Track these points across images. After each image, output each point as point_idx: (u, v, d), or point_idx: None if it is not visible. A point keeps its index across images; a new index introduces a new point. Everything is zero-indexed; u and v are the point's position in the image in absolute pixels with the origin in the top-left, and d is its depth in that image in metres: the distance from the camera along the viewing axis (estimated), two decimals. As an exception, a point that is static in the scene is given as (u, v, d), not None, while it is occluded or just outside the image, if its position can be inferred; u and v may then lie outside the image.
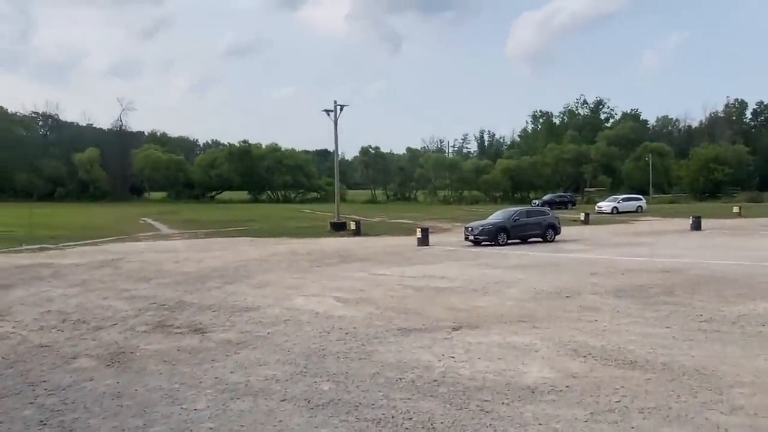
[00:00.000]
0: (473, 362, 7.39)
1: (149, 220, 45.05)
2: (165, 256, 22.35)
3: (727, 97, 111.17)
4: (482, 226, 26.03)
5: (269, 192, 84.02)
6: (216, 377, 6.93)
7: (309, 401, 6.07)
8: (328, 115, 33.97)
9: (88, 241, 28.90)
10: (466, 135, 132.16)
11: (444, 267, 17.71)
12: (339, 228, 33.50)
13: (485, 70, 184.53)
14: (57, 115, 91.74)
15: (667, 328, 9.07)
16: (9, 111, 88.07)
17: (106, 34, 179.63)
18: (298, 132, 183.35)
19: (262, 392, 6.39)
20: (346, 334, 8.83)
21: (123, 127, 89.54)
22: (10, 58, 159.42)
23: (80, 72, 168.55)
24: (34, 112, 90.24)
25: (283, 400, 6.12)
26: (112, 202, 73.55)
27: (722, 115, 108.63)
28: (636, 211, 52.32)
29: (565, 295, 11.85)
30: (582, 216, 40.42)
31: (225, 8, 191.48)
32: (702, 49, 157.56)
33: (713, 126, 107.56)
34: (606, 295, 11.65)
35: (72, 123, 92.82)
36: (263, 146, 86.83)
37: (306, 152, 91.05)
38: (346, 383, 6.65)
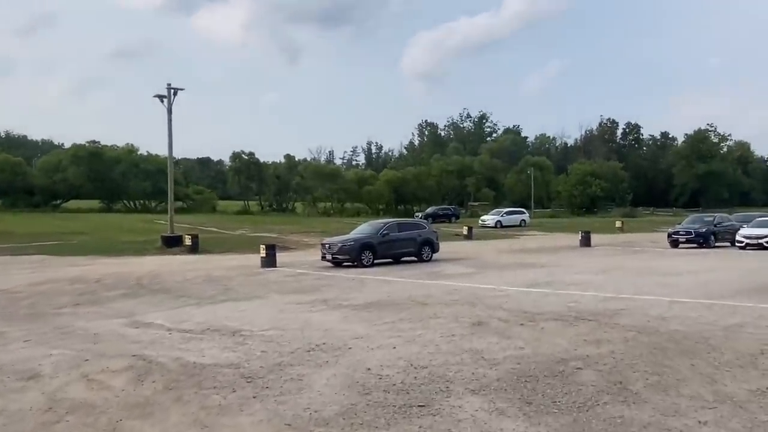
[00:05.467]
0: None
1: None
2: None
3: (601, 115, 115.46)
4: (342, 242, 20.58)
5: (125, 201, 73.73)
6: None
7: None
8: (162, 101, 27.27)
9: None
10: (356, 147, 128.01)
11: (260, 307, 11.97)
12: (173, 243, 26.80)
13: (379, 85, 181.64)
14: None
15: None
16: None
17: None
18: (186, 140, 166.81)
19: None
20: None
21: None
22: None
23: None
24: None
25: None
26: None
27: (596, 133, 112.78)
28: (519, 225, 50.12)
29: (418, 402, 5.79)
30: (465, 230, 36.75)
31: (113, 8, 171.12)
32: (578, 74, 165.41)
33: (589, 143, 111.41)
34: (501, 403, 5.69)
35: None
36: (118, 148, 76.46)
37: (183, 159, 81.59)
38: None
